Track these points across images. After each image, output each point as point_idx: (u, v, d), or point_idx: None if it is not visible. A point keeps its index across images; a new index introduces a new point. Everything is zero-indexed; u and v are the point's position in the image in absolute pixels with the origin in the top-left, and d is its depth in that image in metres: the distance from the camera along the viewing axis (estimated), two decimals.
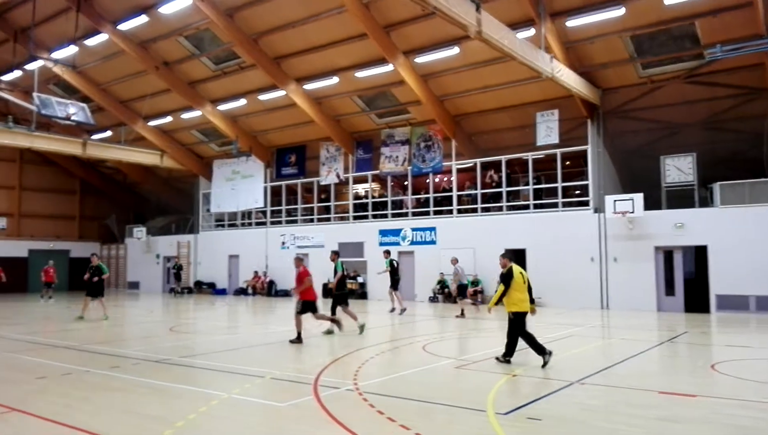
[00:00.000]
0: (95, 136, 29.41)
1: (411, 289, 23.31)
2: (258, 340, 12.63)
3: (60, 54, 23.01)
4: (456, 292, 17.95)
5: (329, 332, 12.79)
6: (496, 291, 9.19)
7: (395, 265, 18.33)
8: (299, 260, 12.10)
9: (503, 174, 22.16)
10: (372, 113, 24.67)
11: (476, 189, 22.89)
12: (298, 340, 11.54)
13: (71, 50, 22.67)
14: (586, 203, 20.54)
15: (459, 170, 23.50)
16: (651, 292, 18.85)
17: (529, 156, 21.45)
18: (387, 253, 18.99)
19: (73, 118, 20.77)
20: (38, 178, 34.46)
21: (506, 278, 8.80)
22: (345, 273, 13.41)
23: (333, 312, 12.92)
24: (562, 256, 20.23)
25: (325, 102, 24.33)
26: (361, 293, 24.55)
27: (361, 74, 21.72)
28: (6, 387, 7.77)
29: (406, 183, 25.32)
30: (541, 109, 21.04)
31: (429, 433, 5.46)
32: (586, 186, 20.63)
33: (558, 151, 20.82)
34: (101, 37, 23.03)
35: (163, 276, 32.90)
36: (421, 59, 20.40)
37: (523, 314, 8.84)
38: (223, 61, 24.06)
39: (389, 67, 20.71)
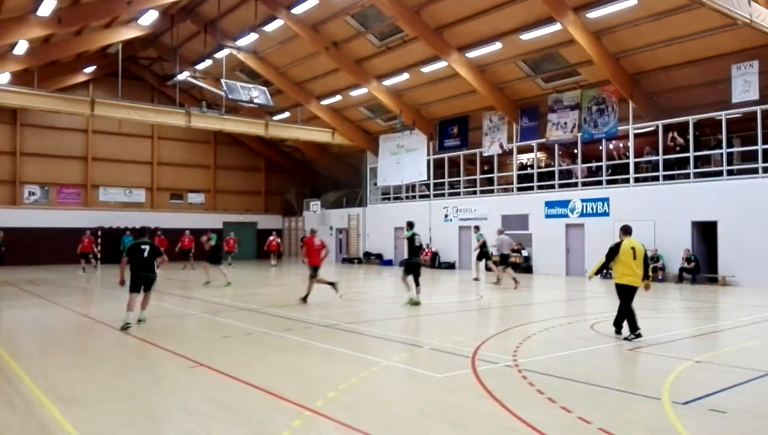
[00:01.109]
0: (275, 117, 31.87)
1: (581, 264, 22.03)
2: (420, 311, 12.81)
3: (243, 42, 25.13)
4: (498, 261, 18.40)
5: (414, 303, 12.88)
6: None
7: (483, 240, 18.90)
8: (312, 232, 14.52)
9: (690, 136, 19.75)
10: (538, 78, 23.45)
11: (657, 154, 20.74)
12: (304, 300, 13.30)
13: (252, 37, 24.66)
14: None
15: (637, 135, 21.47)
16: None
17: (723, 115, 18.83)
18: (476, 228, 19.95)
19: (255, 101, 22.74)
20: (229, 157, 38.42)
21: (610, 251, 9.14)
22: (419, 243, 13.64)
23: (416, 283, 13.09)
24: (762, 230, 17.57)
25: (488, 69, 23.64)
26: (526, 267, 23.76)
27: (526, 36, 20.68)
28: (195, 344, 8.78)
29: (575, 151, 23.77)
30: (737, 61, 18.28)
31: (593, 418, 5.05)
32: None
33: (758, 108, 17.96)
34: (277, 23, 24.66)
35: (335, 246, 34.97)
36: (593, 14, 18.78)
37: (627, 287, 8.93)
38: (387, 36, 24.46)
39: (557, 26, 19.42)
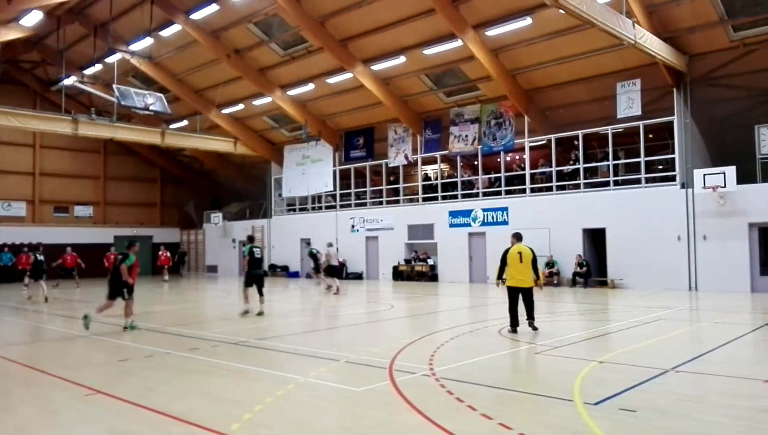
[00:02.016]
0: (173, 126, 30.45)
1: (483, 271, 22.80)
2: (330, 323, 12.63)
3: (137, 46, 23.79)
4: (324, 272, 20.00)
5: (259, 313, 13.47)
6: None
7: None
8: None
9: (580, 150, 21.12)
10: (440, 92, 24.13)
11: (550, 166, 21.97)
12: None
13: (147, 42, 23.39)
14: (672, 178, 19.25)
15: (532, 148, 22.64)
16: (744, 272, 17.49)
17: (609, 129, 20.31)
18: (308, 243, 23.33)
19: (151, 108, 21.53)
20: (121, 167, 36.17)
21: (502, 257, 10.17)
22: (259, 255, 14.09)
23: (260, 293, 13.75)
24: (646, 235, 19.10)
25: (393, 82, 24.01)
26: (432, 276, 24.26)
27: (429, 51, 21.22)
28: (90, 369, 8.06)
29: (476, 163, 24.66)
30: (621, 79, 19.82)
31: (513, 423, 5.13)
32: (673, 160, 19.32)
33: (641, 123, 19.56)
34: (175, 28, 23.63)
35: (239, 260, 33.85)
36: (491, 32, 19.63)
37: (514, 289, 10.09)
38: (291, 46, 24.17)
39: (458, 43, 20.09)
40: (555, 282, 20.46)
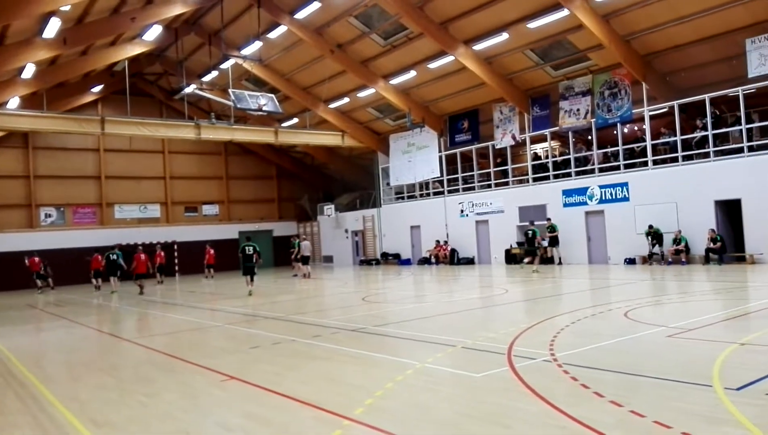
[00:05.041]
0: (284, 124, 31.82)
1: (603, 251, 21.70)
2: (445, 309, 12.62)
3: (247, 51, 25.07)
4: (301, 261, 24.51)
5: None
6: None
7: None
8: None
9: (708, 115, 19.35)
10: (547, 66, 23.16)
11: (674, 135, 20.37)
12: None
13: (256, 45, 24.58)
14: None
15: (652, 117, 21.11)
16: None
17: (740, 91, 18.42)
18: (297, 236, 24.78)
19: (264, 108, 22.66)
20: (241, 167, 38.46)
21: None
22: (245, 253, 18.25)
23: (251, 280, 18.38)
24: None
25: (496, 61, 23.39)
26: (546, 258, 23.42)
27: (533, 25, 20.42)
28: (224, 357, 8.65)
29: (590, 137, 23.44)
30: (751, 35, 17.91)
31: (646, 411, 4.82)
32: None
33: None
34: (281, 29, 24.58)
35: (352, 249, 34.83)
36: None
37: None
38: (392, 35, 24.30)
39: (564, 12, 19.14)
40: (683, 260, 19.02)
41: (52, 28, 18.94)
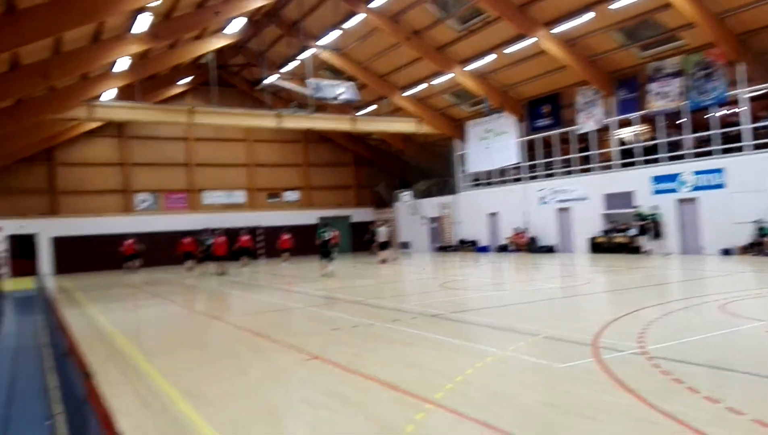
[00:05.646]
0: (361, 112, 32.13)
1: (696, 240, 20.52)
2: (525, 297, 12.39)
3: (325, 40, 25.43)
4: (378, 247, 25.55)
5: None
6: None
7: None
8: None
9: None
10: (634, 46, 22.01)
11: None
12: None
13: (334, 35, 24.88)
14: None
15: (751, 99, 19.64)
16: None
17: None
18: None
19: (342, 97, 22.98)
20: (319, 154, 39.26)
21: None
22: (324, 238, 19.87)
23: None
24: None
25: (578, 43, 22.49)
26: (633, 247, 22.40)
27: (617, 5, 19.43)
28: (307, 337, 8.92)
29: (681, 120, 22.11)
30: None
31: (745, 408, 4.55)
32: None
33: None
34: (357, 18, 24.71)
35: (428, 236, 34.81)
36: None
37: None
38: (468, 19, 23.88)
39: None
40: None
41: (143, 23, 19.94)
